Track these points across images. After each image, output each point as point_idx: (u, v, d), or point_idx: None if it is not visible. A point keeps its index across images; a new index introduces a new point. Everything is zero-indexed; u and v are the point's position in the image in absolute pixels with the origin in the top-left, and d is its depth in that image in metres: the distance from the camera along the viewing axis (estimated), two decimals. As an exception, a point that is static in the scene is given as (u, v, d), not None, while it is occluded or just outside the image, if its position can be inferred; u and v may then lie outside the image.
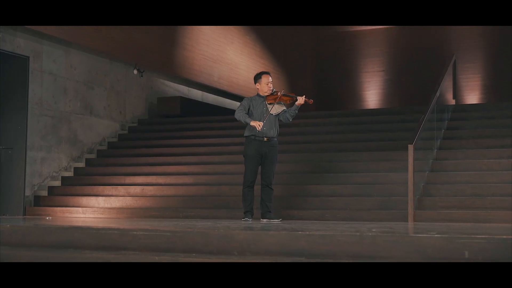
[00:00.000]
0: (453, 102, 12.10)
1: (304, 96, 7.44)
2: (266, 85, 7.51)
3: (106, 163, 11.00)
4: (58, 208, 9.50)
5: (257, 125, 7.24)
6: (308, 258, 4.06)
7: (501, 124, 9.72)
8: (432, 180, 8.44)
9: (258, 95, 7.59)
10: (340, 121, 11.36)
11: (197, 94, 14.41)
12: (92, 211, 9.24)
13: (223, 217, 8.26)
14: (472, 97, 17.20)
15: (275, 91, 7.55)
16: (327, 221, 7.68)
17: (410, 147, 7.66)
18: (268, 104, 7.49)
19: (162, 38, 12.86)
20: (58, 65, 10.74)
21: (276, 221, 7.27)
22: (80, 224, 6.01)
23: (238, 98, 14.67)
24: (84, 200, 9.59)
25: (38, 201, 9.99)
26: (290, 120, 7.61)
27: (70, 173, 10.76)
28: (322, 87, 18.89)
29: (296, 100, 7.43)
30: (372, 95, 18.58)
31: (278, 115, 7.53)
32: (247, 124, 7.39)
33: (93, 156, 11.31)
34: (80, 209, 9.33)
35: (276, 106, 7.47)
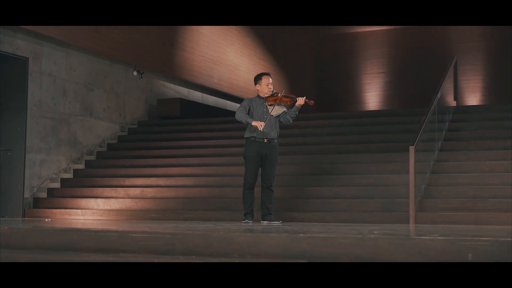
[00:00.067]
0: (454, 103, 12.08)
1: (304, 97, 7.40)
2: (267, 86, 7.47)
3: (106, 165, 10.96)
4: (58, 210, 9.46)
5: (259, 125, 7.18)
6: (309, 261, 4.02)
7: (502, 126, 9.69)
8: (433, 182, 8.41)
9: (258, 96, 7.54)
10: (341, 123, 11.33)
11: (197, 96, 14.39)
12: (92, 213, 9.21)
13: (223, 219, 8.22)
14: (473, 99, 17.18)
15: (275, 92, 7.51)
16: (328, 223, 7.64)
17: (411, 149, 7.63)
18: (269, 105, 7.44)
19: (162, 40, 12.83)
20: (58, 66, 10.71)
21: (276, 223, 7.23)
22: (79, 226, 5.99)
23: (238, 99, 14.64)
24: (84, 202, 9.56)
25: (37, 203, 9.95)
26: (291, 121, 7.57)
27: (69, 175, 10.73)
28: (322, 87, 18.88)
29: (297, 101, 7.40)
30: (372, 97, 18.57)
31: (278, 116, 7.49)
32: (248, 124, 7.34)
33: (92, 158, 11.27)
34: (79, 211, 9.30)
35: (276, 107, 7.43)
